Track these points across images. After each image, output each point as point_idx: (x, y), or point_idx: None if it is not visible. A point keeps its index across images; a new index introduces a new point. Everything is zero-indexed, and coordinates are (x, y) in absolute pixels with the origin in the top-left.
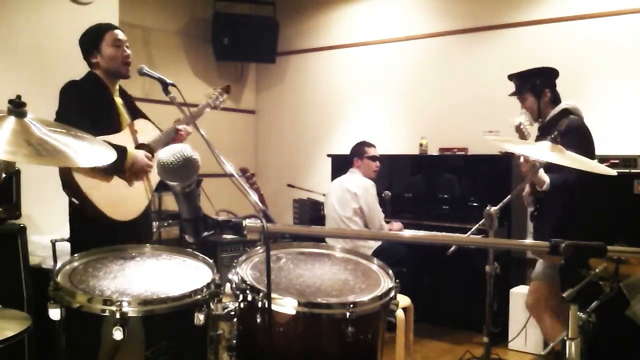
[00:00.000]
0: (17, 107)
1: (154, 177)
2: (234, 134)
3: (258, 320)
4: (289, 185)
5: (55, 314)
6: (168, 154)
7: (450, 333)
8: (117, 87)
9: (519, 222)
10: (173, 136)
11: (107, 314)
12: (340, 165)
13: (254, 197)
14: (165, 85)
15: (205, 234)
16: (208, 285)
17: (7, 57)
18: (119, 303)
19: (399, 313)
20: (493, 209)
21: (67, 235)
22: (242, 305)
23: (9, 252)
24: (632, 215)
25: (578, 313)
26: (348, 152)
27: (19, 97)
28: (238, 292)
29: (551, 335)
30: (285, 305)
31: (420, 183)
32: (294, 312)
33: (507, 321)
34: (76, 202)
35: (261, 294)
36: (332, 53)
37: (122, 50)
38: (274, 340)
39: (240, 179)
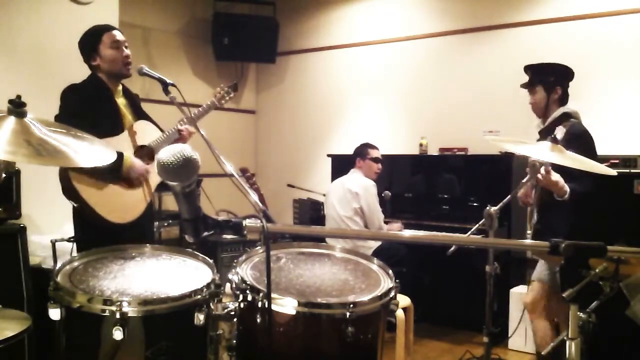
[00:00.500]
0: (17, 107)
1: (154, 179)
2: (234, 134)
3: (258, 320)
4: (289, 185)
5: (55, 314)
6: (168, 154)
7: (450, 333)
8: (120, 87)
9: (519, 222)
10: (176, 137)
11: (107, 314)
12: (340, 165)
13: (254, 197)
14: (165, 85)
15: (205, 234)
16: (208, 285)
17: (7, 57)
18: (119, 303)
19: (399, 313)
20: (493, 209)
21: (67, 235)
22: (242, 305)
23: (9, 252)
24: (632, 215)
25: (578, 313)
26: (348, 152)
27: (19, 97)
28: (238, 292)
29: (540, 338)
30: (285, 305)
31: (420, 183)
32: (294, 312)
33: (507, 321)
34: (75, 205)
35: (261, 294)
36: (332, 53)
37: (121, 50)
38: (274, 340)
39: (240, 179)
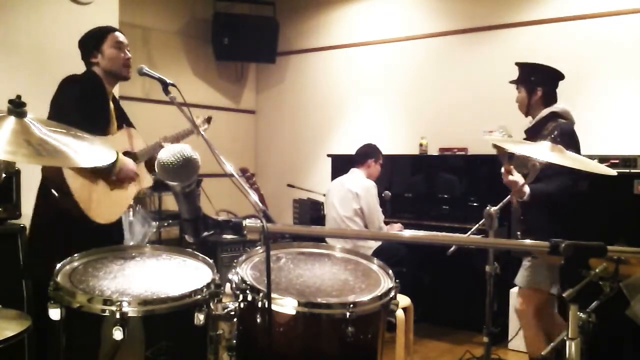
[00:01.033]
0: (17, 107)
1: (134, 188)
2: (234, 134)
3: (258, 320)
4: (289, 185)
5: (55, 314)
6: (168, 154)
7: (450, 333)
8: (112, 91)
9: (515, 222)
10: (157, 152)
11: (107, 314)
12: (341, 165)
13: (254, 197)
14: (165, 85)
15: (205, 234)
16: (208, 285)
17: (7, 57)
18: (119, 303)
19: (399, 313)
20: (493, 209)
21: None
22: (242, 305)
23: (9, 252)
24: (632, 215)
25: (578, 313)
26: (348, 152)
27: (19, 97)
28: (238, 292)
29: (530, 344)
30: (285, 305)
31: (420, 183)
32: (294, 312)
33: (507, 321)
34: (56, 193)
35: (261, 294)
36: (332, 53)
37: (124, 52)
38: (274, 340)
39: (240, 179)
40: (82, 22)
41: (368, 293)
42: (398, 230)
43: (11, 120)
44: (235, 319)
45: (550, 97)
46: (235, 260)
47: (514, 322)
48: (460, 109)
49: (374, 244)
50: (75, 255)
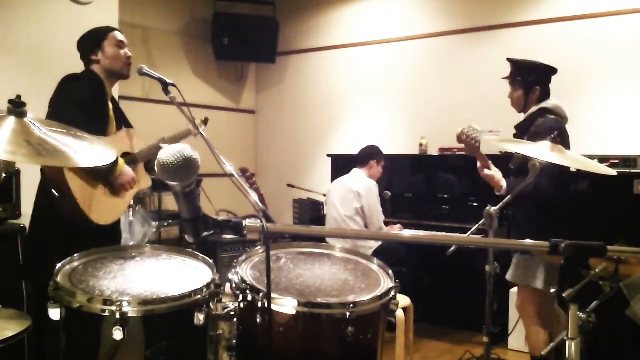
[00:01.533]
0: (17, 107)
1: (133, 190)
2: (234, 134)
3: (258, 320)
4: (289, 185)
5: (55, 314)
6: (168, 154)
7: (450, 333)
8: (111, 91)
9: (522, 222)
10: (156, 153)
11: (107, 314)
12: (340, 165)
13: (254, 197)
14: (165, 85)
15: (205, 234)
16: (208, 285)
17: (7, 57)
18: (119, 303)
19: (399, 313)
20: (493, 209)
21: None
22: (242, 305)
23: (9, 252)
24: (632, 215)
25: (578, 313)
26: (348, 152)
27: (19, 97)
28: (238, 292)
29: (532, 341)
30: (285, 305)
31: (420, 183)
32: (294, 312)
33: (507, 321)
34: (57, 194)
35: (261, 294)
36: (332, 53)
37: (125, 51)
38: (274, 340)
39: (240, 179)
40: (82, 22)
41: (368, 293)
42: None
43: (11, 120)
44: (235, 319)
45: (545, 94)
46: (235, 260)
47: (513, 322)
48: (460, 109)
49: (374, 244)
50: (75, 255)
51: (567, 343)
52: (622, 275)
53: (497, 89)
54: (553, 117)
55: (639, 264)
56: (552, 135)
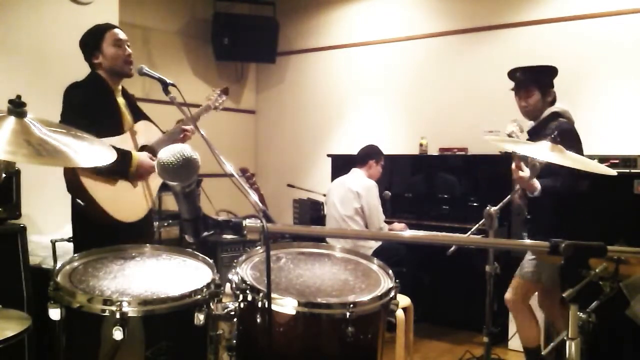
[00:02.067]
0: (17, 107)
1: (157, 180)
2: (234, 134)
3: (258, 320)
4: (289, 185)
5: (55, 314)
6: (168, 154)
7: (450, 333)
8: (120, 87)
9: (519, 222)
10: (179, 137)
11: (107, 314)
12: (340, 165)
13: (254, 197)
14: (165, 85)
15: (205, 234)
16: (208, 285)
17: (7, 57)
18: (119, 303)
19: (399, 313)
20: (493, 209)
21: (67, 235)
22: (242, 305)
23: (9, 252)
24: (632, 215)
25: (578, 313)
26: (348, 152)
27: (19, 97)
28: (238, 292)
29: (524, 333)
30: (285, 305)
31: (420, 183)
32: (294, 312)
33: (507, 321)
34: (82, 203)
35: (261, 294)
36: (332, 53)
37: (124, 49)
38: (274, 340)
39: (240, 179)
40: (82, 22)
41: (368, 293)
42: (401, 230)
43: (11, 120)
44: (235, 319)
45: (555, 97)
46: (235, 260)
47: (514, 322)
48: (460, 109)
49: (374, 244)
50: (75, 255)
51: (567, 343)
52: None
53: (497, 89)
54: (564, 119)
55: (639, 264)
56: (552, 135)
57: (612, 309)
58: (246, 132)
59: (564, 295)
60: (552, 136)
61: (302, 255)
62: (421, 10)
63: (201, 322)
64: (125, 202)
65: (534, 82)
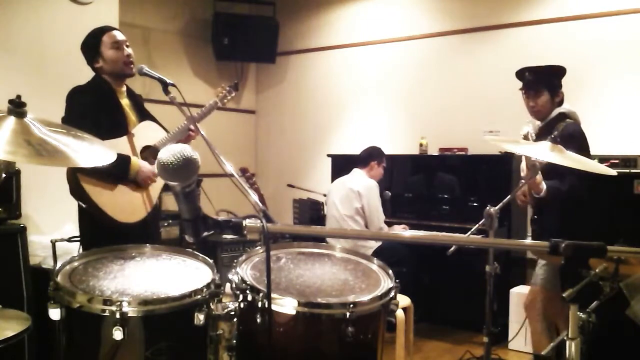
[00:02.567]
0: (17, 107)
1: (160, 181)
2: (234, 134)
3: (258, 320)
4: (289, 185)
5: (55, 314)
6: (168, 154)
7: (450, 333)
8: (124, 88)
9: (519, 222)
10: (182, 137)
11: (107, 314)
12: (341, 165)
13: (254, 197)
14: (165, 85)
15: (205, 234)
16: (208, 285)
17: (7, 57)
18: (119, 303)
19: (399, 313)
20: (493, 209)
21: (67, 235)
22: (242, 305)
23: (9, 252)
24: (632, 215)
25: (578, 313)
26: (348, 152)
27: (19, 97)
28: (238, 292)
29: (536, 341)
30: (285, 305)
31: (420, 183)
32: (294, 312)
33: (507, 321)
34: (84, 205)
35: (261, 294)
36: (332, 53)
37: (122, 50)
38: (274, 340)
39: (240, 179)
40: (82, 22)
41: (368, 293)
42: (400, 230)
43: (11, 120)
44: (235, 319)
45: (563, 98)
46: (235, 260)
47: (514, 322)
48: (460, 109)
49: (374, 244)
50: (75, 255)
51: (567, 343)
52: (622, 275)
53: (497, 89)
54: (571, 121)
55: (639, 264)
56: (552, 135)
57: (612, 309)
58: (246, 132)
59: (564, 295)
60: (552, 136)
61: (302, 255)
62: (421, 10)
63: (201, 322)
64: (125, 204)
65: (543, 82)
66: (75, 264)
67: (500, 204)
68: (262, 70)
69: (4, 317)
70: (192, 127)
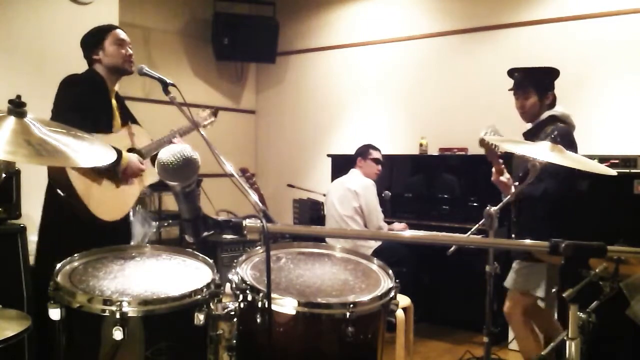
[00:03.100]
0: (17, 107)
1: (142, 183)
2: (234, 134)
3: (258, 320)
4: (289, 185)
5: (55, 314)
6: (168, 154)
7: (450, 333)
8: (117, 87)
9: (526, 224)
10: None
11: (107, 314)
12: (340, 165)
13: (254, 197)
14: (165, 85)
15: (205, 234)
16: (208, 285)
17: (7, 57)
18: (119, 303)
19: (399, 313)
20: (493, 209)
21: None
22: (242, 305)
23: (9, 252)
24: (632, 215)
25: (578, 313)
26: (348, 152)
27: (19, 97)
28: (238, 292)
29: (523, 347)
30: (285, 305)
31: (420, 183)
32: (294, 312)
33: (507, 321)
34: (62, 194)
35: (261, 294)
36: (332, 53)
37: (125, 49)
38: (274, 340)
39: (240, 179)
40: (82, 22)
41: (368, 293)
42: (400, 230)
43: (11, 120)
44: (235, 319)
45: (555, 100)
46: (235, 260)
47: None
48: (461, 109)
49: (374, 244)
50: (75, 255)
51: (567, 343)
52: (622, 275)
53: (497, 89)
54: (562, 124)
55: (639, 264)
56: (552, 136)
57: (612, 309)
58: (246, 132)
59: (564, 295)
60: (552, 136)
61: (302, 255)
62: (421, 10)
63: (201, 322)
64: (105, 200)
65: (531, 83)
66: (75, 264)
67: (500, 204)
68: (262, 70)
69: (4, 317)
70: (175, 140)
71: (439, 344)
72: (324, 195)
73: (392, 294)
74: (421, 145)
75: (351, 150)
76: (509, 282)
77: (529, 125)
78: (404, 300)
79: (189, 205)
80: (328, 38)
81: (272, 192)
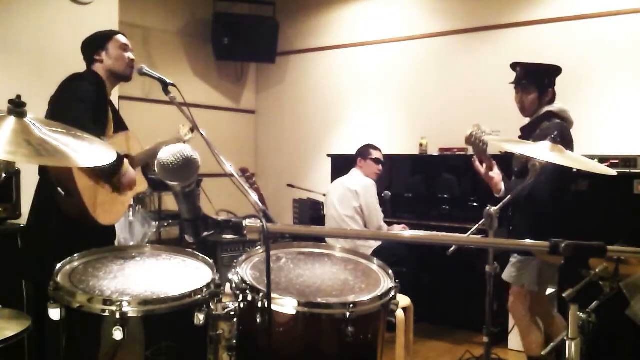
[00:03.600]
0: (17, 107)
1: (132, 192)
2: (234, 134)
3: (258, 320)
4: (289, 185)
5: (55, 314)
6: (168, 154)
7: (450, 333)
8: (111, 94)
9: (519, 222)
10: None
11: (107, 314)
12: (340, 165)
13: (254, 197)
14: (165, 85)
15: (205, 234)
16: (208, 285)
17: (7, 57)
18: (119, 303)
19: (399, 313)
20: (493, 209)
21: None
22: (242, 305)
23: (9, 252)
24: (632, 215)
25: (578, 313)
26: (348, 152)
27: (19, 97)
28: (238, 292)
29: (524, 341)
30: (285, 305)
31: (420, 183)
32: (294, 312)
33: (507, 321)
34: (62, 191)
35: (261, 294)
36: (332, 53)
37: (128, 54)
38: (274, 340)
39: (240, 179)
40: (82, 22)
41: (368, 293)
42: (400, 230)
43: (11, 120)
44: (235, 319)
45: (554, 97)
46: (235, 260)
47: (513, 322)
48: (461, 109)
49: (374, 244)
50: (75, 255)
51: (567, 343)
52: (622, 275)
53: (497, 89)
54: (558, 120)
55: (639, 264)
56: (552, 135)
57: (612, 309)
58: (246, 132)
59: (564, 295)
60: (552, 136)
61: (302, 255)
62: (421, 10)
63: (201, 322)
64: (103, 204)
65: (532, 80)
66: (75, 264)
67: (501, 204)
68: (262, 70)
69: (4, 317)
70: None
71: (439, 344)
72: (324, 195)
73: (392, 294)
74: (421, 145)
75: (351, 150)
76: (505, 274)
77: (527, 120)
78: (404, 300)
79: (189, 205)
80: (328, 38)
81: (272, 192)
